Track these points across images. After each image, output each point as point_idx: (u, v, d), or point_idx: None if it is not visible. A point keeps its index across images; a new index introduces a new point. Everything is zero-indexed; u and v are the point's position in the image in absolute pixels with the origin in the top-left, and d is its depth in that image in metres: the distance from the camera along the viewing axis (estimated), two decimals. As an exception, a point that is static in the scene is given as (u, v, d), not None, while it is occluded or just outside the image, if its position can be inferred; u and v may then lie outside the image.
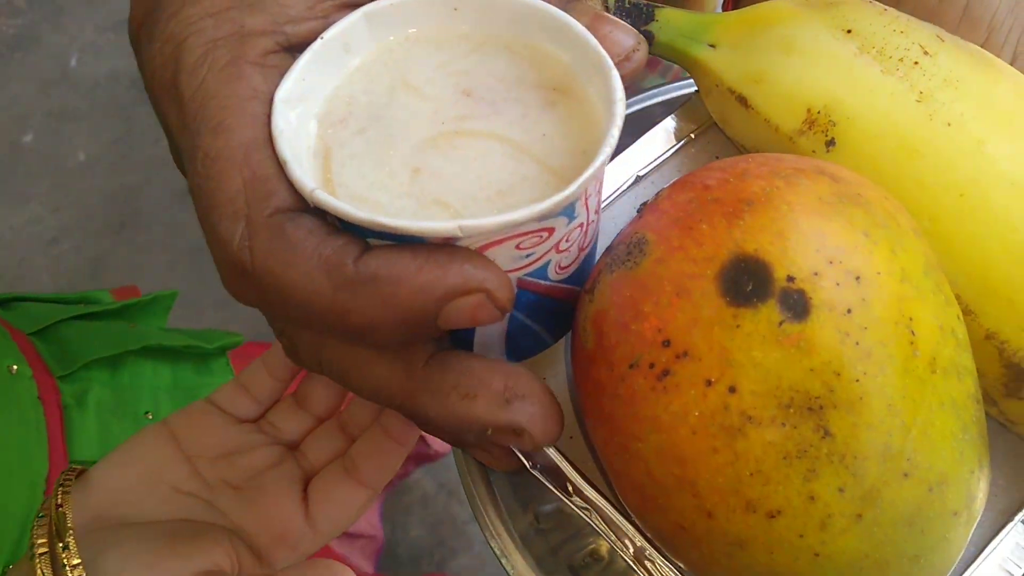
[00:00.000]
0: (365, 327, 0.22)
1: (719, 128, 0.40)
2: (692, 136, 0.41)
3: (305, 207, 0.23)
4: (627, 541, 0.34)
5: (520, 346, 0.28)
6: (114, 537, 0.30)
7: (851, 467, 0.26)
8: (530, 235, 0.24)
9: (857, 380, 0.26)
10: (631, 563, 0.33)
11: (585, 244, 0.27)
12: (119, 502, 0.31)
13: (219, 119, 0.23)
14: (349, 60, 0.27)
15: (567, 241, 0.26)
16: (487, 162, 0.26)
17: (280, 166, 0.23)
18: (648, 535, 0.32)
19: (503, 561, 0.38)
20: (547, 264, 0.26)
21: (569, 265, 0.27)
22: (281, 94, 0.24)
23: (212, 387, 0.44)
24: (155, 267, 1.39)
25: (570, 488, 0.34)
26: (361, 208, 0.23)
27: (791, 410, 0.26)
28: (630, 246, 0.30)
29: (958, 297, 0.32)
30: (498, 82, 0.28)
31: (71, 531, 0.28)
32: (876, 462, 0.26)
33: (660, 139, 0.41)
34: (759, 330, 0.26)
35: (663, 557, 0.33)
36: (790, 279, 0.27)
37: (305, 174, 0.23)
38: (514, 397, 0.25)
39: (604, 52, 0.27)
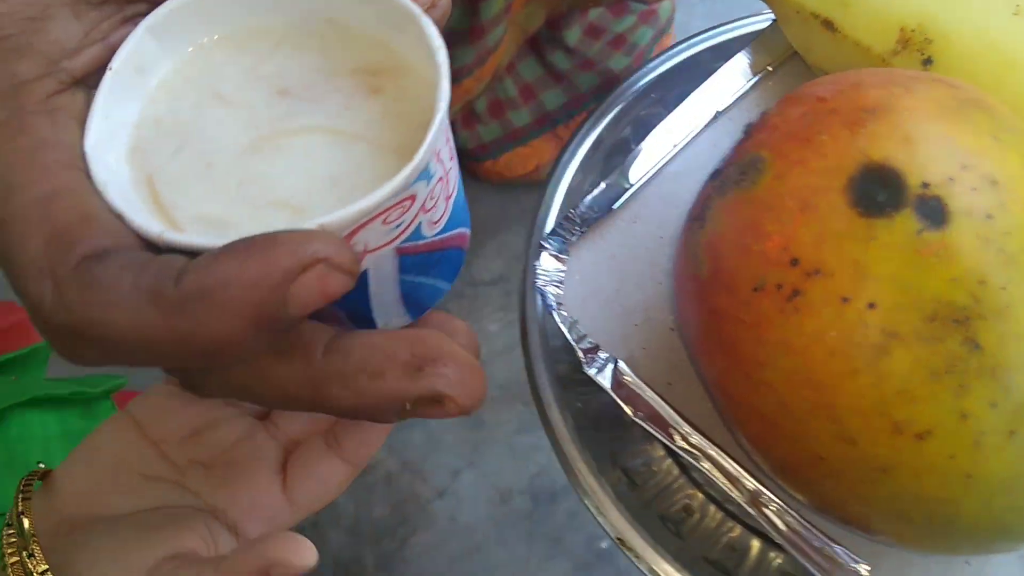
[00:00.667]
0: (217, 344, 0.20)
1: (798, 59, 0.39)
2: (770, 69, 0.40)
3: (119, 244, 0.21)
4: (740, 486, 0.32)
5: (420, 302, 0.27)
6: (83, 536, 0.29)
7: (1002, 380, 0.25)
8: (393, 208, 0.23)
9: (1003, 288, 0.25)
10: (747, 507, 0.32)
11: (450, 192, 0.26)
12: (86, 500, 0.30)
13: (6, 181, 0.21)
14: (147, 82, 0.26)
15: (431, 199, 0.25)
16: (316, 155, 0.25)
17: (82, 212, 0.21)
18: (768, 474, 0.31)
19: (600, 519, 0.37)
20: (419, 226, 0.25)
21: (440, 218, 0.26)
22: (90, 142, 0.23)
23: None
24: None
25: (675, 436, 0.33)
26: (197, 224, 0.22)
27: (936, 323, 0.25)
28: (743, 166, 0.29)
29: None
30: (314, 74, 0.26)
31: (35, 538, 0.27)
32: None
33: (735, 74, 0.40)
34: (896, 241, 0.25)
35: (779, 501, 0.32)
36: (924, 185, 0.25)
37: (145, 217, 0.22)
38: (424, 363, 0.23)
39: (409, 4, 0.25)
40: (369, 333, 0.23)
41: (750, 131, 0.30)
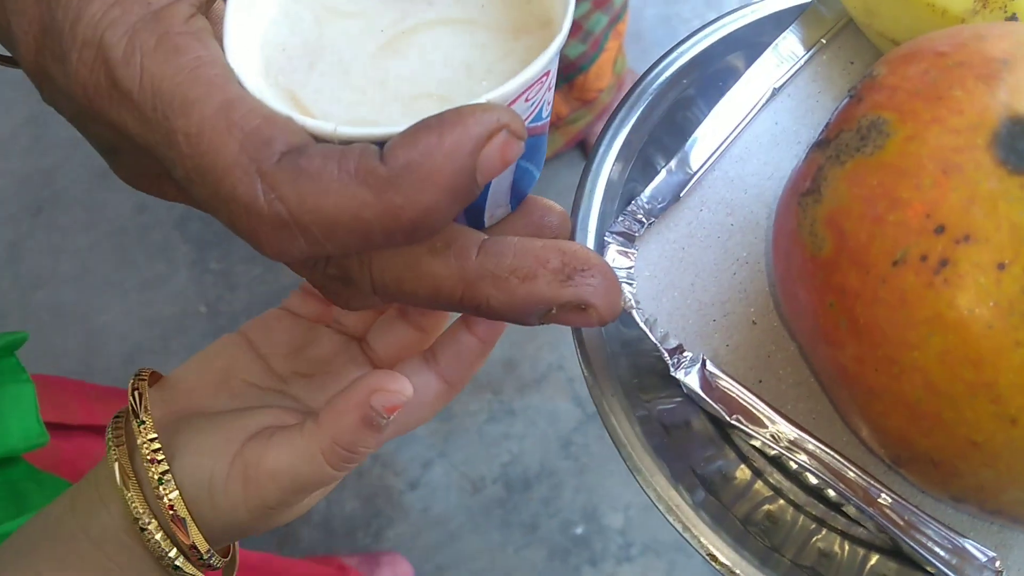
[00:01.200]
0: (420, 216, 0.22)
1: (851, 30, 0.37)
2: (823, 41, 0.38)
3: (306, 140, 0.23)
4: (852, 484, 0.30)
5: (522, 189, 0.28)
6: (187, 423, 0.31)
7: None
8: (535, 85, 0.24)
9: None
10: (863, 507, 0.30)
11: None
12: (195, 398, 0.33)
13: (182, 96, 0.22)
14: (263, 5, 0.27)
15: (553, 79, 0.26)
16: (443, 46, 0.26)
17: (263, 115, 0.22)
18: (897, 469, 0.28)
19: (687, 536, 0.34)
20: (543, 106, 0.26)
21: (552, 100, 0.28)
22: (233, 61, 0.24)
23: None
24: (75, 250, 1.33)
25: (778, 437, 0.31)
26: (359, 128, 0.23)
27: (1109, 285, 0.23)
28: (862, 131, 0.26)
29: None
30: None
31: (147, 410, 0.30)
32: None
33: (787, 50, 0.37)
34: (1055, 198, 0.23)
35: (895, 494, 0.30)
36: (1080, 137, 0.23)
37: (313, 120, 0.23)
38: (574, 272, 0.25)
39: None
40: (521, 239, 0.25)
41: (859, 94, 0.27)
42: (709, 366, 0.31)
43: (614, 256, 0.33)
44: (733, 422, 0.31)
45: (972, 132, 0.24)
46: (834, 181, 0.26)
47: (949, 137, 0.24)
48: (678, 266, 0.34)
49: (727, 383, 0.31)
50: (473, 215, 0.27)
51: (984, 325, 0.23)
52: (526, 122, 0.25)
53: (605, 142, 0.40)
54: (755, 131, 0.36)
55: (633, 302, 0.31)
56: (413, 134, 0.22)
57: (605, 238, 0.33)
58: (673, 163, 0.35)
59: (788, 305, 0.29)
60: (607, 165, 0.39)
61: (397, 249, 0.25)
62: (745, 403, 0.31)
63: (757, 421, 0.31)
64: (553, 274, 0.25)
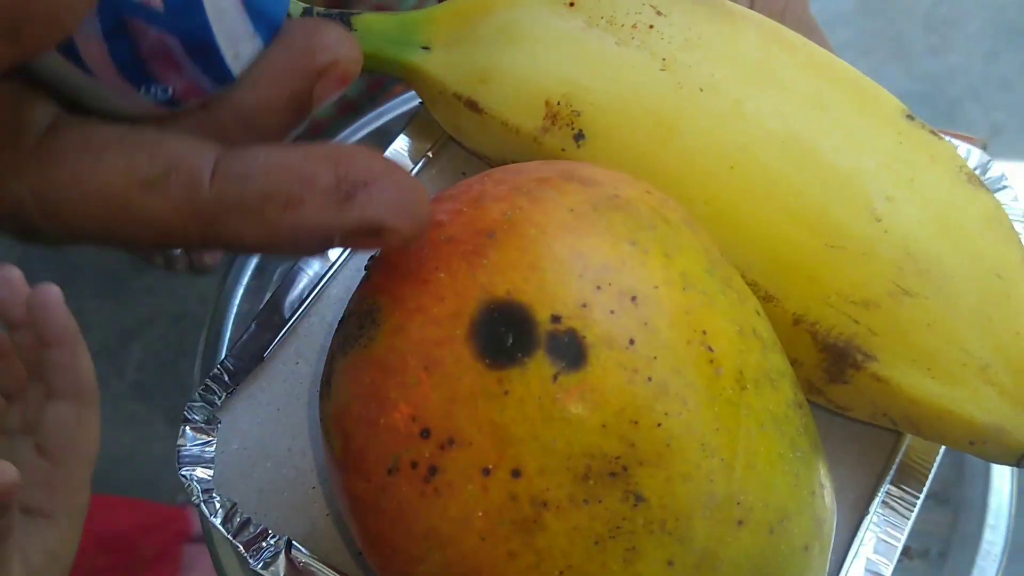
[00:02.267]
0: None
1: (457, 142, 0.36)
2: (430, 155, 0.36)
3: None
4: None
5: (265, 11, 0.21)
6: None
7: (675, 532, 0.22)
8: None
9: (659, 424, 0.22)
10: None
11: None
12: None
13: None
14: None
15: None
16: None
17: None
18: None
19: None
20: None
21: None
22: None
23: None
24: None
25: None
26: None
27: (591, 481, 0.22)
28: (361, 317, 0.24)
29: (754, 284, 0.29)
30: None
31: None
32: (703, 518, 0.22)
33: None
34: (532, 392, 0.22)
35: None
36: (555, 319, 0.22)
37: None
38: (355, 188, 0.19)
39: None
40: (272, 148, 0.19)
41: (371, 268, 0.26)
42: (296, 549, 0.29)
43: (193, 435, 0.30)
44: (323, 610, 0.29)
45: (452, 322, 0.23)
46: (339, 375, 0.24)
47: (431, 328, 0.23)
48: (272, 431, 0.32)
49: (316, 567, 0.29)
50: (203, 53, 0.20)
51: (477, 537, 0.22)
52: None
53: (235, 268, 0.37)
54: (357, 265, 0.34)
55: (198, 494, 0.29)
56: None
57: (185, 414, 0.31)
58: (264, 313, 0.33)
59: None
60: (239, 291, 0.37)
61: (84, 184, 0.18)
62: (340, 584, 0.29)
63: (354, 603, 0.29)
64: (326, 195, 0.19)
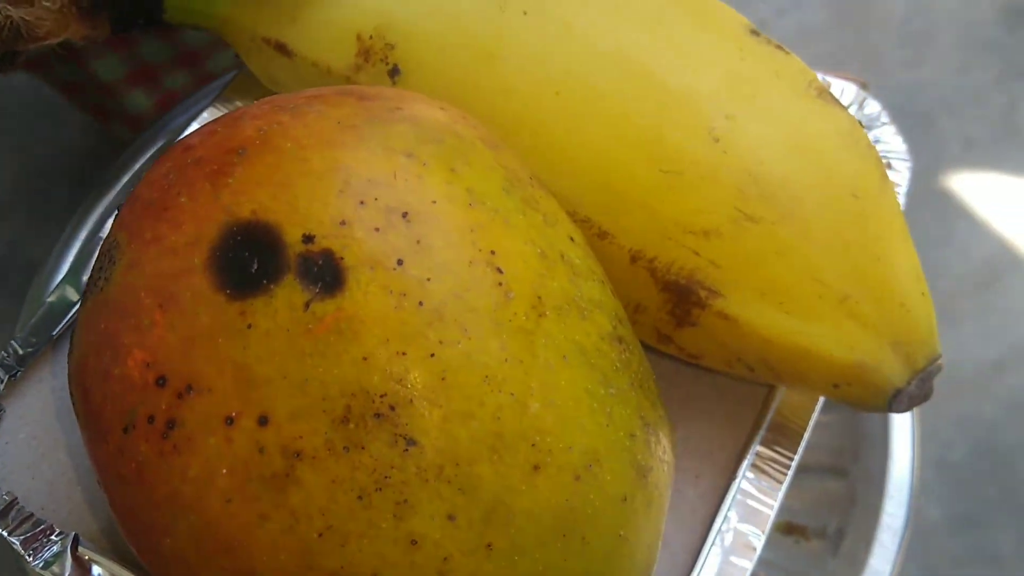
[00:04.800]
0: None
1: (281, 96, 0.33)
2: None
3: None
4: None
5: None
6: None
7: (456, 481, 0.19)
8: None
9: (432, 355, 0.19)
10: None
11: None
12: None
13: None
14: None
15: None
16: None
17: None
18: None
19: None
20: None
21: None
22: None
23: None
24: None
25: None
26: None
27: (351, 425, 0.18)
28: (101, 258, 0.21)
29: (587, 221, 0.26)
30: None
31: None
32: (490, 463, 0.19)
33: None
34: (280, 323, 0.19)
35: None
36: (308, 238, 0.19)
37: None
38: None
39: None
40: None
41: (120, 209, 0.22)
42: (83, 547, 0.26)
43: (-37, 424, 0.27)
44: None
45: (190, 250, 0.20)
46: (78, 327, 0.21)
47: (167, 260, 0.20)
48: (66, 419, 0.28)
49: (106, 565, 0.26)
50: None
51: (222, 499, 0.19)
52: None
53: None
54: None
55: (-34, 487, 0.26)
56: None
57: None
58: (58, 289, 0.29)
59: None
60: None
61: None
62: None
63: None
64: None
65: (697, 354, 0.27)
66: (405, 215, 0.20)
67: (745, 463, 0.28)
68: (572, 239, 0.23)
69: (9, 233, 0.49)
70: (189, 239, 0.20)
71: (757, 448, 0.28)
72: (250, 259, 0.19)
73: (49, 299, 0.29)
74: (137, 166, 0.37)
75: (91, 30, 0.31)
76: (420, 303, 0.19)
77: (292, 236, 0.19)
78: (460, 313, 0.19)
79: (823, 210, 0.25)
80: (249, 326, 0.19)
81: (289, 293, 0.19)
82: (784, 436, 0.29)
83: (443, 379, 0.19)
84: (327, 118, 0.21)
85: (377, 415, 0.19)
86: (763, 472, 0.28)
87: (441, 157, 0.21)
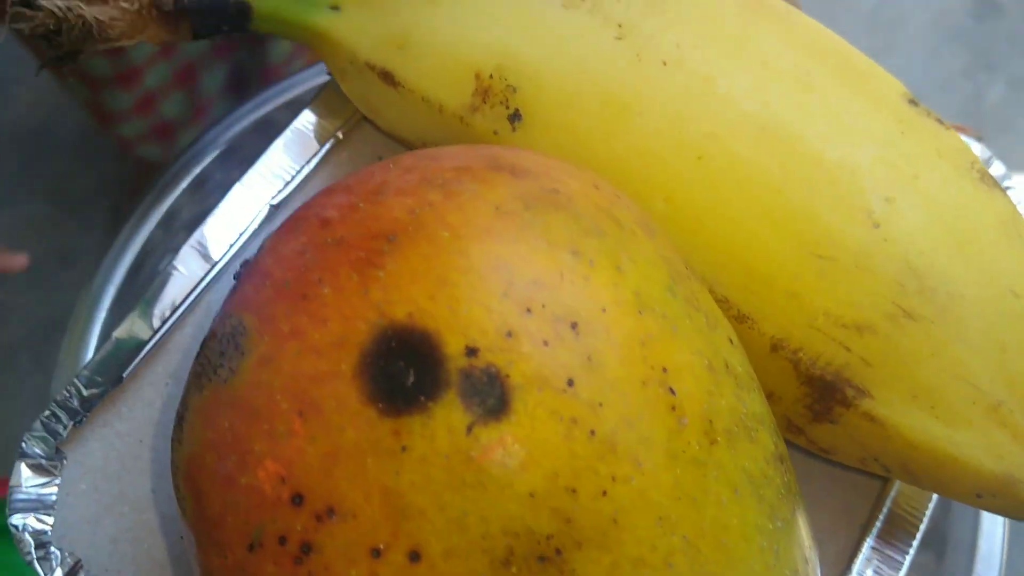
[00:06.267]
0: None
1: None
2: (339, 136, 0.31)
3: None
4: None
5: None
6: None
7: (624, 632, 0.17)
8: None
9: (604, 493, 0.17)
10: None
11: None
12: None
13: None
14: None
15: None
16: None
17: None
18: None
19: None
20: None
21: None
22: None
23: None
24: None
25: None
26: None
27: (513, 569, 0.17)
28: (222, 341, 0.19)
29: (724, 302, 0.24)
30: None
31: None
32: (660, 614, 0.17)
33: (296, 147, 0.30)
34: (438, 448, 0.17)
35: None
36: (471, 351, 0.17)
37: None
38: None
39: None
40: None
41: (241, 277, 0.20)
42: (158, 618, 0.24)
43: (26, 475, 0.25)
44: None
45: (336, 352, 0.18)
46: (192, 415, 0.19)
47: (309, 360, 0.18)
48: (133, 468, 0.27)
49: (180, 640, 0.24)
50: None
51: (363, 638, 0.17)
52: None
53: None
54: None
55: (31, 549, 0.24)
56: None
57: (21, 448, 0.25)
58: (126, 323, 0.27)
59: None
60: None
61: None
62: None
63: None
64: None
65: (829, 449, 0.26)
66: (574, 326, 0.18)
67: (860, 556, 0.27)
68: (731, 342, 0.21)
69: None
70: (335, 339, 0.18)
71: (872, 542, 0.27)
72: (406, 370, 0.17)
73: (117, 335, 0.27)
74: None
75: (170, 35, 0.29)
76: (592, 432, 0.17)
77: (454, 347, 0.17)
78: (633, 444, 0.18)
79: (982, 309, 0.24)
80: (404, 448, 0.17)
81: (449, 414, 0.17)
82: (899, 528, 0.27)
83: (615, 521, 0.17)
84: (483, 201, 0.19)
85: (541, 558, 0.17)
86: (877, 565, 0.27)
87: (606, 253, 0.19)
